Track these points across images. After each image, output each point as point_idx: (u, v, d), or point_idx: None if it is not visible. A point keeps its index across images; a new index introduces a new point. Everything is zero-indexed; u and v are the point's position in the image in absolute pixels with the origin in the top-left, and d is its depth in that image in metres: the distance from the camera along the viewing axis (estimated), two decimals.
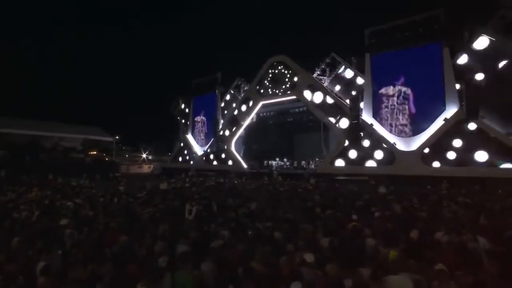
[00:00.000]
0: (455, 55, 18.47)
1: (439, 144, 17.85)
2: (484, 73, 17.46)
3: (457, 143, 17.23)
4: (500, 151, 16.07)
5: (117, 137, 39.15)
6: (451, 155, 17.35)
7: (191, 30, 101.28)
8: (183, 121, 36.26)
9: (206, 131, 33.22)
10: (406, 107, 19.75)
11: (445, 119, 17.93)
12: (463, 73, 18.00)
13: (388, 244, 4.46)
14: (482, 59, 17.47)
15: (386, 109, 20.44)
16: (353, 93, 22.12)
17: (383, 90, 20.70)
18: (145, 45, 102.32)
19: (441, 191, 12.25)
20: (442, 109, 18.32)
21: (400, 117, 19.95)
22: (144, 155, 48.16)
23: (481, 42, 17.63)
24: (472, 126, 16.95)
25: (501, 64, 17.10)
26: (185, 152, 34.85)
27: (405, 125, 19.70)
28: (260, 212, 7.59)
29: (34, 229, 4.93)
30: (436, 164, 17.82)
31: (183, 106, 36.48)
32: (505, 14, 17.03)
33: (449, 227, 4.87)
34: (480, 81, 17.29)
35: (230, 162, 29.11)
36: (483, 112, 17.11)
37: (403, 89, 19.96)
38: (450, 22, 18.70)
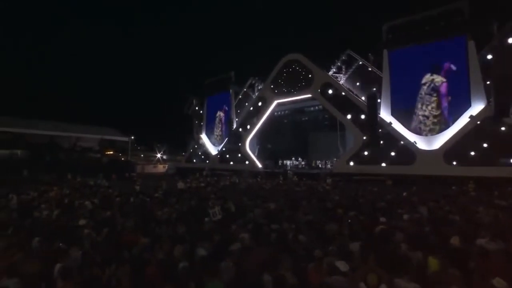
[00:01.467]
0: (481, 48, 17.51)
1: (463, 142, 16.96)
2: None
3: (484, 141, 16.30)
4: None
5: (132, 137, 39.80)
6: (477, 154, 16.42)
7: (204, 29, 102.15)
8: (197, 121, 36.42)
9: (220, 130, 33.19)
10: (435, 99, 18.74)
11: (471, 116, 17.01)
12: (491, 67, 17.00)
13: (424, 251, 4.07)
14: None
15: (407, 106, 19.59)
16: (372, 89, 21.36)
17: (407, 84, 19.68)
18: (159, 45, 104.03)
19: (469, 192, 11.52)
20: (467, 106, 17.40)
21: (427, 112, 18.97)
22: (158, 155, 48.82)
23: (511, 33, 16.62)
24: (501, 123, 15.97)
25: None
26: (199, 152, 34.99)
27: (430, 122, 18.77)
28: (279, 213, 7.30)
29: (54, 229, 4.88)
30: (459, 163, 16.92)
31: (196, 105, 36.64)
32: None
33: (492, 232, 4.42)
34: (510, 74, 16.23)
35: (244, 162, 28.94)
36: None
37: (438, 79, 18.71)
38: (476, 14, 17.74)
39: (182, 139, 43.87)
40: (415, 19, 19.43)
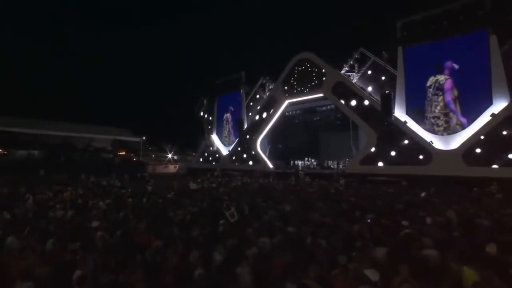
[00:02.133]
0: (504, 42, 16.69)
1: (484, 141, 16.21)
2: None
3: (507, 141, 15.52)
4: None
5: (143, 138, 40.34)
6: (499, 154, 15.64)
7: (216, 30, 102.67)
8: (207, 121, 36.52)
9: (231, 131, 33.12)
10: (441, 98, 18.20)
11: (493, 115, 16.24)
12: None
13: (456, 259, 3.77)
14: None
15: (422, 105, 18.97)
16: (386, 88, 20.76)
17: (422, 82, 19.15)
18: (171, 47, 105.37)
19: (493, 194, 10.94)
20: (488, 104, 16.62)
21: (437, 111, 18.46)
22: (169, 155, 49.29)
23: None
24: None
25: None
26: (210, 152, 35.05)
27: (444, 120, 18.16)
28: (294, 215, 7.08)
29: (68, 230, 4.83)
30: (480, 164, 16.16)
31: (207, 106, 36.74)
32: None
33: None
34: None
35: (255, 162, 28.77)
36: None
37: (441, 78, 18.35)
38: (498, 7, 16.91)
39: (192, 140, 44.16)
40: (432, 14, 18.73)
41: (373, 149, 20.41)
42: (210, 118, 36.33)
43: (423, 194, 11.24)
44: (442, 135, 18.04)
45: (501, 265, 3.30)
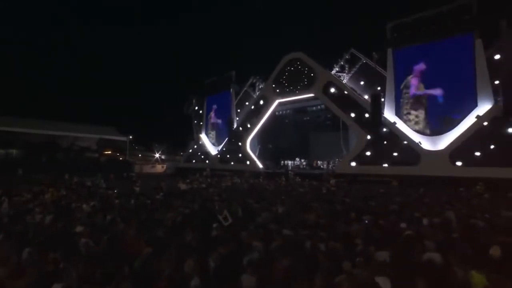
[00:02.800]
0: (489, 46, 17.16)
1: (470, 142, 16.61)
2: None
3: (492, 141, 15.94)
4: None
5: (130, 137, 39.28)
6: (485, 154, 16.05)
7: (205, 29, 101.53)
8: (196, 121, 35.96)
9: (221, 130, 32.71)
10: (424, 100, 18.86)
11: (478, 116, 16.67)
12: (500, 66, 16.65)
13: (461, 262, 3.66)
14: None
15: (408, 105, 19.32)
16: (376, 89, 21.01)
17: (404, 84, 19.65)
18: (158, 45, 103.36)
19: (481, 194, 11.14)
20: (473, 106, 17.06)
21: (408, 107, 19.17)
22: (157, 155, 48.26)
23: None
24: (509, 123, 15.61)
25: None
26: (199, 152, 34.52)
27: (415, 115, 18.70)
28: (289, 216, 6.88)
29: (48, 237, 4.42)
30: (466, 164, 16.55)
31: (196, 105, 36.18)
32: None
33: None
34: None
35: (245, 162, 28.51)
36: None
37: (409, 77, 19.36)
38: (484, 11, 17.37)
39: (181, 139, 43.48)
40: (421, 17, 19.07)
41: (363, 150, 20.57)
42: (200, 117, 35.80)
43: (416, 195, 11.34)
44: (430, 135, 18.37)
45: (506, 269, 3.20)
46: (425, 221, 5.96)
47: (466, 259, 3.65)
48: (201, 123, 35.40)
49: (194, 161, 34.53)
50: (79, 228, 4.64)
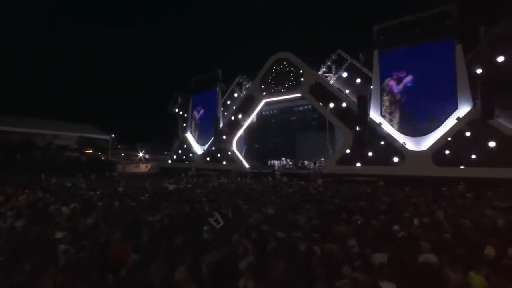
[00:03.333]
0: (468, 52, 17.85)
1: (451, 143, 17.21)
2: (499, 70, 16.81)
3: (471, 142, 16.58)
4: None
5: (113, 135, 37.93)
6: (465, 155, 16.67)
7: (190, 26, 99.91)
8: (181, 119, 35.26)
9: (206, 129, 32.21)
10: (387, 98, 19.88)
11: (458, 118, 17.29)
12: (478, 71, 17.34)
13: (455, 263, 3.65)
14: (498, 56, 16.83)
15: (393, 107, 19.80)
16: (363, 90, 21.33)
17: (388, 86, 20.17)
18: (143, 41, 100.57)
19: (464, 194, 11.48)
20: (454, 108, 17.68)
21: (403, 115, 19.57)
22: (141, 154, 46.93)
23: (496, 39, 17.10)
24: (487, 125, 16.28)
25: None
26: (184, 151, 33.90)
27: (412, 123, 19.16)
28: (280, 218, 6.75)
29: (22, 244, 4.03)
30: (448, 164, 17.12)
31: (182, 104, 35.48)
32: None
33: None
34: (496, 78, 16.59)
35: (231, 162, 28.25)
36: (498, 111, 16.44)
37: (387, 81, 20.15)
38: (464, 18, 18.05)
39: (165, 138, 42.51)
40: (406, 21, 19.56)
41: (349, 150, 20.86)
42: (185, 116, 35.14)
43: (401, 195, 11.54)
44: (415, 137, 18.84)
45: (506, 269, 3.20)
46: (416, 221, 5.99)
47: (461, 260, 3.64)
48: (186, 122, 34.76)
49: (179, 160, 33.89)
50: (58, 234, 4.26)
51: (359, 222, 6.10)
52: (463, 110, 17.36)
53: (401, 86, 19.82)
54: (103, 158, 32.82)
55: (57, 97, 70.15)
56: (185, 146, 34.02)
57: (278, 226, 6.07)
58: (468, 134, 16.76)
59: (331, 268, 3.35)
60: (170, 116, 37.00)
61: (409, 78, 19.58)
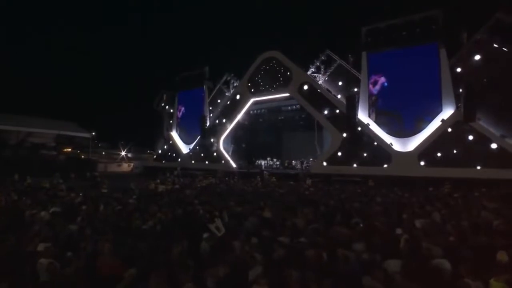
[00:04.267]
0: (452, 56, 18.42)
1: (436, 144, 17.68)
2: (480, 74, 17.46)
3: (455, 144, 17.11)
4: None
5: (93, 133, 36.28)
6: (449, 156, 17.18)
7: (177, 23, 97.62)
8: (166, 117, 34.28)
9: (192, 128, 31.46)
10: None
11: (442, 120, 17.80)
12: (460, 75, 17.94)
13: (470, 269, 3.53)
14: (479, 61, 17.49)
15: (384, 108, 20.12)
16: (355, 90, 21.54)
17: (374, 88, 20.52)
18: (128, 36, 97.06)
19: (452, 194, 11.72)
20: (439, 110, 18.18)
21: (390, 116, 19.95)
22: (123, 153, 45.28)
23: (477, 44, 17.79)
24: (469, 127, 16.86)
25: (496, 66, 17.13)
26: (169, 150, 32.99)
27: (399, 124, 19.57)
28: (278, 221, 6.48)
29: None
30: (433, 165, 17.58)
31: (167, 101, 34.49)
32: (501, 17, 17.14)
33: None
34: (478, 83, 17.23)
35: (218, 161, 27.76)
36: (480, 114, 17.05)
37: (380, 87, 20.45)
38: (447, 23, 18.60)
39: (148, 136, 41.27)
40: (393, 24, 19.88)
41: (337, 150, 20.99)
42: (170, 114, 34.20)
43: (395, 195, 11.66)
44: (402, 138, 19.20)
45: None
46: (417, 223, 5.91)
47: (477, 266, 3.53)
48: (172, 120, 33.85)
49: (163, 159, 32.97)
50: (40, 247, 3.70)
51: (361, 225, 5.94)
52: (447, 112, 17.88)
53: (378, 87, 20.26)
54: (83, 157, 31.27)
55: (35, 93, 66.06)
56: (170, 145, 33.12)
57: (279, 230, 5.82)
58: (452, 135, 17.27)
59: (351, 278, 3.12)
60: (154, 114, 35.96)
61: (383, 79, 20.03)
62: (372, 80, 20.48)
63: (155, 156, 33.28)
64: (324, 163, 21.48)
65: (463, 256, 3.86)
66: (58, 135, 28.17)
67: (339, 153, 20.86)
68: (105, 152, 50.57)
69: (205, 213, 6.77)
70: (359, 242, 4.78)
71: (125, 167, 37.67)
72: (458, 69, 18.23)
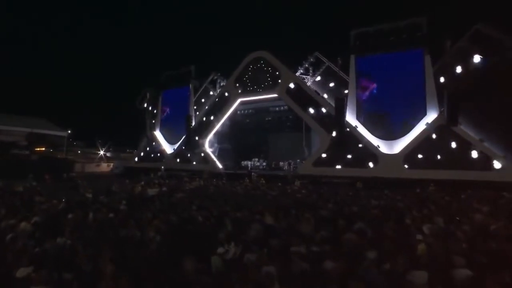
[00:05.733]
0: (436, 62, 19.09)
1: (421, 147, 18.22)
2: (462, 81, 18.23)
3: (439, 146, 17.72)
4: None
5: (69, 131, 34.19)
6: (433, 158, 17.75)
7: (167, 22, 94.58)
8: (150, 116, 33.02)
9: (177, 128, 30.50)
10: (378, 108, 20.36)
11: (427, 124, 18.38)
12: (443, 81, 18.62)
13: (496, 281, 3.43)
14: (460, 69, 18.26)
15: (371, 111, 20.49)
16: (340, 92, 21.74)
17: (364, 93, 20.88)
18: (109, 32, 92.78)
19: (443, 196, 11.97)
20: (423, 114, 18.76)
21: (377, 119, 20.35)
22: (101, 152, 43.17)
23: (459, 53, 18.60)
24: (451, 131, 17.52)
25: (476, 74, 17.95)
26: (152, 150, 31.82)
27: (386, 127, 20.00)
28: (287, 229, 6.20)
29: None
30: (417, 167, 18.10)
31: (151, 100, 33.24)
32: (479, 28, 18.04)
33: None
34: (460, 89, 17.97)
35: (203, 162, 27.10)
36: (461, 119, 17.74)
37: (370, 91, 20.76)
38: (432, 31, 19.26)
39: (128, 135, 39.67)
40: (381, 29, 20.30)
41: (326, 151, 21.11)
42: (154, 113, 32.99)
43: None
44: (388, 140, 19.61)
45: None
46: (425, 229, 5.85)
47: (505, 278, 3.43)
48: (156, 119, 32.68)
49: (146, 160, 31.75)
50: (21, 272, 3.01)
51: (369, 231, 5.77)
52: (431, 116, 18.49)
53: (367, 92, 20.68)
54: (59, 156, 29.33)
55: (4, 89, 61.37)
56: (153, 144, 31.94)
57: (285, 238, 5.54)
58: (435, 138, 17.88)
59: None
60: (136, 112, 34.54)
61: (374, 86, 20.45)
62: (362, 84, 20.68)
63: (141, 156, 31.90)
64: (312, 165, 21.52)
65: (482, 264, 3.76)
66: (31, 133, 26.19)
67: (327, 155, 20.99)
68: (80, 151, 48.06)
69: (204, 220, 6.36)
70: (373, 251, 4.61)
71: (104, 167, 35.88)
72: (441, 76, 18.92)
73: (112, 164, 36.02)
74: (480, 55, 17.80)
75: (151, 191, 10.72)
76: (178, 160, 29.08)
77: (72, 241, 4.38)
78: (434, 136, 18.00)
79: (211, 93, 30.63)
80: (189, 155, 28.29)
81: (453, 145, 17.39)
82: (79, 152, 47.51)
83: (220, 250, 4.06)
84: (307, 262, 4.12)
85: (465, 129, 17.62)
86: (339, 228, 6.45)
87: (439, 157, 17.51)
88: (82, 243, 4.13)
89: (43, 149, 27.71)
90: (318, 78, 23.74)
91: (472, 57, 18.00)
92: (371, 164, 19.34)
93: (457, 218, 6.89)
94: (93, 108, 75.25)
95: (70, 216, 5.91)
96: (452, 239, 5.07)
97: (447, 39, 18.97)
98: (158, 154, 31.08)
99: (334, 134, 20.53)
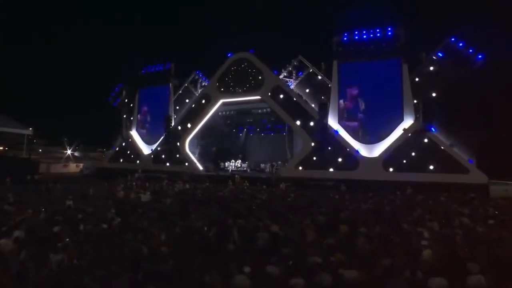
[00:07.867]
0: (412, 71, 20.23)
1: (398, 151, 19.16)
2: (435, 90, 19.52)
3: (414, 151, 18.77)
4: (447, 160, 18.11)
5: (30, 129, 31.28)
6: (410, 161, 18.76)
7: (143, 16, 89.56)
8: (126, 115, 31.29)
9: (155, 128, 29.21)
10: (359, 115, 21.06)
11: (404, 129, 19.38)
12: (419, 89, 19.79)
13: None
14: (434, 78, 19.55)
15: (349, 115, 21.18)
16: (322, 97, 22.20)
17: (346, 97, 21.54)
18: (83, 26, 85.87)
19: (427, 199, 12.57)
20: (400, 120, 19.74)
21: (357, 124, 21.08)
22: (69, 151, 40.15)
23: (433, 63, 19.97)
24: (426, 137, 18.66)
25: (447, 83, 19.32)
26: (128, 150, 30.19)
27: (365, 132, 20.76)
28: (295, 237, 6.09)
29: None
30: (395, 170, 19.02)
31: (127, 97, 31.54)
32: (450, 42, 19.48)
33: None
34: (433, 97, 19.22)
35: (183, 164, 26.26)
36: (434, 125, 18.92)
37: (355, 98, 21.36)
38: (409, 42, 20.38)
39: (98, 133, 37.32)
40: (362, 37, 21.07)
41: (308, 154, 21.44)
42: (130, 111, 31.35)
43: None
44: (368, 144, 20.36)
45: None
46: (426, 233, 6.05)
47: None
48: (132, 118, 31.08)
49: (121, 160, 30.06)
50: None
51: (376, 238, 5.86)
52: (408, 122, 19.52)
53: (349, 101, 21.40)
54: (22, 156, 26.71)
55: None
56: (129, 144, 30.31)
57: (296, 246, 5.45)
58: (411, 143, 18.92)
59: None
60: (107, 110, 32.58)
61: (356, 91, 21.19)
62: (347, 94, 21.33)
63: (115, 157, 30.07)
64: (295, 167, 21.74)
65: (493, 270, 3.94)
66: None
67: (310, 158, 21.31)
68: (42, 150, 44.24)
69: (208, 230, 6.05)
70: (386, 258, 4.66)
71: (73, 168, 33.38)
72: (417, 84, 20.09)
73: (82, 164, 33.61)
74: (450, 66, 19.22)
75: (144, 197, 10.01)
76: (156, 161, 27.90)
77: (71, 259, 3.87)
78: (410, 140, 19.02)
79: (193, 93, 29.72)
80: (167, 156, 27.25)
81: (427, 149, 18.50)
82: (40, 151, 43.71)
83: (247, 269, 3.80)
84: (327, 272, 4.05)
85: (438, 135, 18.84)
86: (342, 234, 6.53)
87: (414, 160, 18.55)
88: (87, 262, 3.67)
89: (1, 148, 25.08)
90: (301, 82, 24.02)
91: (443, 68, 19.41)
92: (352, 167, 19.94)
93: (449, 222, 7.26)
94: (58, 104, 69.60)
95: (56, 229, 5.25)
96: (453, 244, 5.30)
97: (422, 50, 20.18)
98: (133, 155, 29.59)
99: (316, 137, 20.91)
